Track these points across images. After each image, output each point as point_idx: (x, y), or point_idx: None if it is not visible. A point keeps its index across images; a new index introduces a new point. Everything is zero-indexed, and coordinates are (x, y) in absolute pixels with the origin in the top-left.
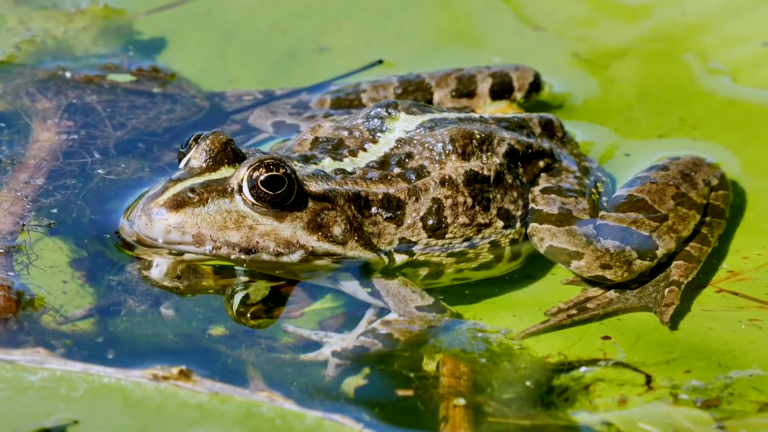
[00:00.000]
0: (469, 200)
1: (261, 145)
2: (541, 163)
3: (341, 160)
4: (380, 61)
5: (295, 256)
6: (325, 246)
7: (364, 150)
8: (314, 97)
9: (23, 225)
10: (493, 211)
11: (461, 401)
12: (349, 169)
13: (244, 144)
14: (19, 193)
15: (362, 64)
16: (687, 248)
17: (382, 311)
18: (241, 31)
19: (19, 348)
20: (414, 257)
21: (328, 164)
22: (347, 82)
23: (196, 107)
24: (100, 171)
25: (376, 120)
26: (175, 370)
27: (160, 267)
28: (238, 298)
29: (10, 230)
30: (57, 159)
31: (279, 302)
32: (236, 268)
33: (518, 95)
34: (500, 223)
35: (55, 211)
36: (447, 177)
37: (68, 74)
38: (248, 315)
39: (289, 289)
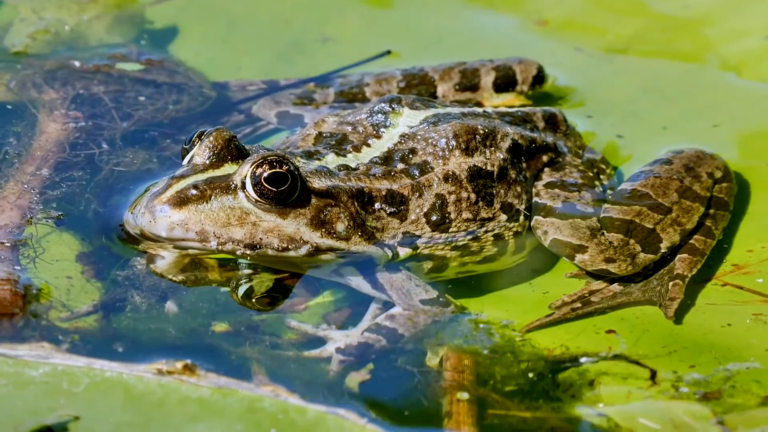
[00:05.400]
0: (473, 195)
1: (265, 137)
2: (545, 158)
3: (345, 155)
4: (388, 52)
5: (299, 252)
6: (328, 242)
7: (368, 145)
8: (318, 90)
9: (31, 218)
10: (497, 206)
11: (465, 396)
12: (353, 165)
13: (249, 135)
14: (25, 186)
15: (366, 54)
16: (691, 241)
17: (387, 305)
18: (245, 21)
19: (24, 342)
20: (418, 251)
21: (331, 160)
22: (351, 75)
23: (203, 97)
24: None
25: (379, 115)
26: (179, 365)
27: (165, 260)
28: (242, 291)
29: (18, 223)
30: (64, 150)
31: (283, 295)
32: (240, 261)
33: (522, 88)
34: (504, 217)
35: (62, 203)
36: (450, 172)
37: (77, 63)
38: (252, 307)
39: (293, 282)
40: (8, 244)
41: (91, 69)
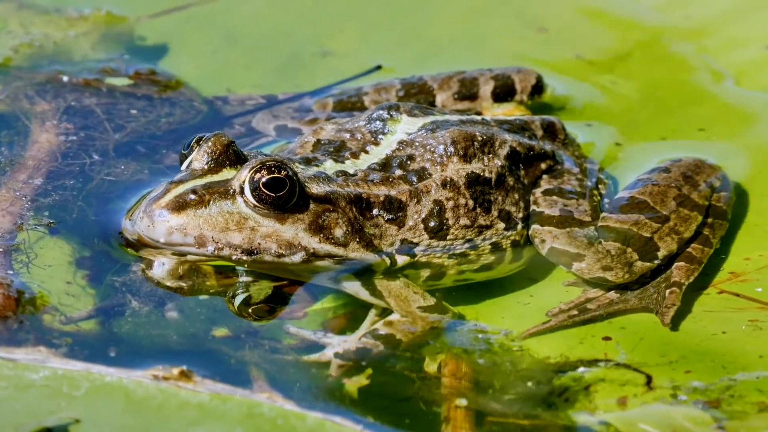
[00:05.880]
0: (471, 202)
1: (263, 148)
2: (543, 165)
3: (343, 162)
4: (379, 67)
5: (297, 258)
6: (326, 248)
7: (366, 152)
8: (316, 101)
9: (21, 224)
10: (495, 213)
11: (463, 402)
12: (351, 171)
13: (246, 147)
14: (17, 193)
15: (364, 68)
16: (688, 250)
17: (385, 312)
18: (245, 36)
19: (20, 347)
20: (415, 258)
21: (329, 166)
22: (349, 86)
23: (195, 111)
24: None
25: (378, 122)
26: (175, 371)
27: (163, 267)
28: (240, 298)
29: (9, 229)
30: (56, 160)
31: (282, 302)
32: (238, 267)
33: (522, 97)
34: (501, 225)
35: (54, 210)
36: (448, 179)
37: (65, 78)
38: (251, 315)
39: (291, 289)
40: (0, 250)
41: (80, 83)
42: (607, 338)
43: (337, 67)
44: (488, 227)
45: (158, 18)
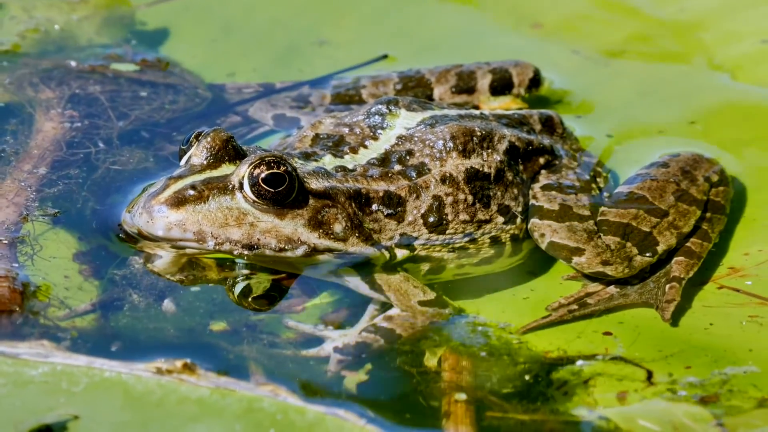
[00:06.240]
0: (470, 197)
1: (262, 138)
2: (542, 160)
3: (342, 157)
4: (385, 56)
5: (297, 252)
6: (326, 243)
7: (365, 147)
8: (314, 92)
9: (26, 215)
10: (494, 208)
11: (462, 396)
12: (350, 166)
13: (245, 136)
14: (22, 183)
15: (362, 58)
16: (688, 244)
17: (385, 306)
18: (242, 24)
19: (24, 340)
20: (415, 252)
21: (328, 161)
22: (347, 77)
23: (199, 98)
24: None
25: (376, 117)
26: (179, 364)
27: (162, 260)
28: (239, 291)
29: (14, 220)
30: (60, 149)
31: (280, 295)
32: (237, 260)
33: (519, 91)
34: (500, 219)
35: (59, 201)
36: (448, 174)
37: (73, 63)
38: (249, 308)
39: (290, 282)
40: (5, 242)
41: (86, 69)
42: (607, 333)
43: (334, 57)
44: (487, 222)
45: (156, 6)
